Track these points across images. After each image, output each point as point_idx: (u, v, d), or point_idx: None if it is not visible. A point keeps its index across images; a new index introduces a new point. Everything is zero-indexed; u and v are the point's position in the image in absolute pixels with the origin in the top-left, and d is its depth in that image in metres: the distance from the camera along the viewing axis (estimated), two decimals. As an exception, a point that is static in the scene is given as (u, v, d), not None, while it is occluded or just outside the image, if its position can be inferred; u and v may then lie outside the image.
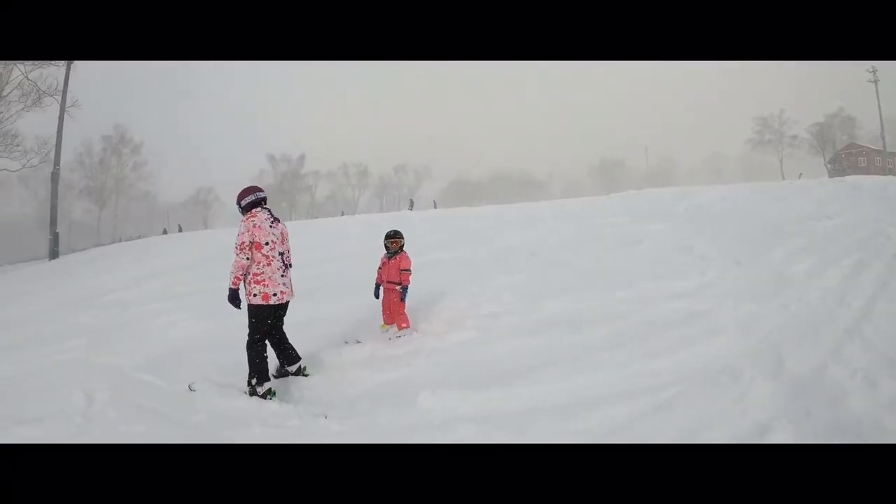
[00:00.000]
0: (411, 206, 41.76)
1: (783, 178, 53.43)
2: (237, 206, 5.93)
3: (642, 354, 5.46)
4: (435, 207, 35.84)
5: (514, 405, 4.71)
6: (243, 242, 5.61)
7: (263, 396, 5.54)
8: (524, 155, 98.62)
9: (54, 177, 28.22)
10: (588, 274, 9.19)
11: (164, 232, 38.38)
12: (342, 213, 48.78)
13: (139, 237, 38.77)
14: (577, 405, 4.54)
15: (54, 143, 27.92)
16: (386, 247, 7.26)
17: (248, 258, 5.63)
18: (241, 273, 5.64)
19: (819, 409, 3.95)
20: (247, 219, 5.73)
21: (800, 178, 34.17)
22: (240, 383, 5.78)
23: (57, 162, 28.00)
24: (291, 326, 6.19)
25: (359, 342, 6.96)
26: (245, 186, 6.12)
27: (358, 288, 8.92)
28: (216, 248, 18.11)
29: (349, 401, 5.37)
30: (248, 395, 5.58)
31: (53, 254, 26.82)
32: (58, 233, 27.62)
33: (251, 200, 5.88)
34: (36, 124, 28.07)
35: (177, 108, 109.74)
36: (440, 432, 4.30)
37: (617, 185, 69.00)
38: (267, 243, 5.70)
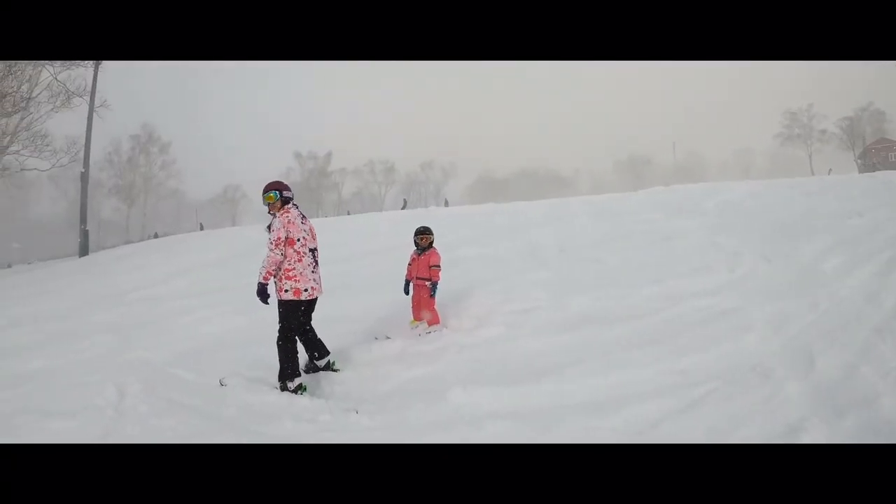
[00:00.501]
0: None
1: (812, 174, 52.52)
2: (272, 194, 5.89)
3: (672, 352, 5.46)
4: (446, 205, 35.83)
5: (544, 402, 4.73)
6: (279, 238, 5.64)
7: (294, 392, 5.59)
8: (550, 151, 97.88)
9: (84, 176, 28.57)
10: (617, 270, 9.17)
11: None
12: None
13: (165, 234, 39.11)
14: (605, 403, 4.56)
15: (83, 143, 28.33)
16: (415, 243, 7.32)
17: (282, 254, 5.66)
18: (273, 269, 5.68)
19: (850, 410, 3.91)
20: (282, 214, 5.76)
21: (829, 173, 33.61)
22: (270, 378, 5.85)
23: (86, 161, 28.34)
24: (321, 322, 6.26)
25: (388, 338, 7.00)
26: (273, 180, 6.11)
27: (386, 284, 8.98)
28: (243, 245, 18.25)
29: (379, 396, 5.43)
30: (279, 391, 5.62)
31: (83, 251, 27.21)
32: (87, 230, 28.00)
33: (290, 196, 5.93)
34: (65, 124, 28.46)
35: (204, 107, 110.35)
36: (470, 428, 4.34)
37: (643, 181, 68.30)
38: (299, 239, 5.75)
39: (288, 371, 5.67)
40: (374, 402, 5.26)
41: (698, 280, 7.95)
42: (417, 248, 7.30)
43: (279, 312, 5.76)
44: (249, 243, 18.00)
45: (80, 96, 27.49)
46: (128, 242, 37.09)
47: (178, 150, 66.35)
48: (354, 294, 9.38)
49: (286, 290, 5.69)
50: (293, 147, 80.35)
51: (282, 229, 5.66)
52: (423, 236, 7.28)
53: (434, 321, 7.09)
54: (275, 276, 5.75)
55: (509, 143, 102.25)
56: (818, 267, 7.88)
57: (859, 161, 61.93)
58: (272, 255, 5.64)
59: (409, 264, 7.33)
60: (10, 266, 29.24)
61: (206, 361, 6.57)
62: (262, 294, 5.72)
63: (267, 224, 5.91)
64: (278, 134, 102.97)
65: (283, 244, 5.65)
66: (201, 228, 37.63)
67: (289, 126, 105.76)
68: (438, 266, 7.13)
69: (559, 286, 8.39)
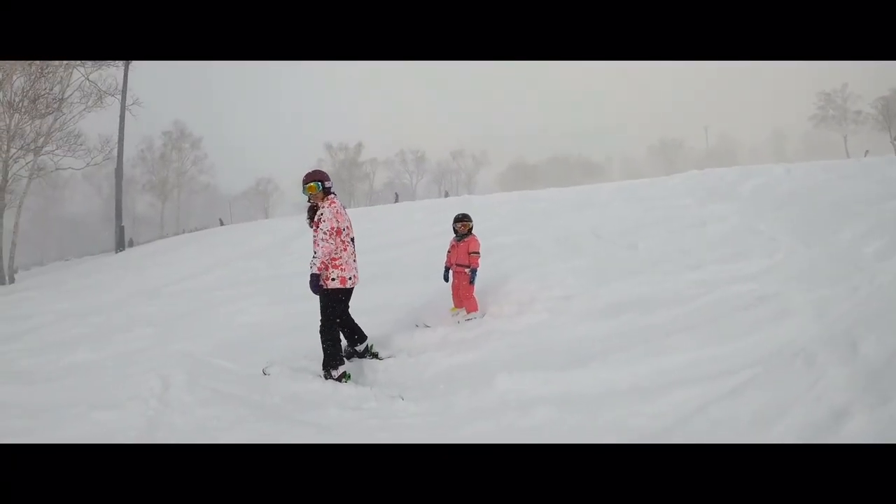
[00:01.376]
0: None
1: (848, 156, 51.34)
2: (314, 185, 5.90)
3: (713, 338, 5.42)
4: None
5: (589, 388, 4.76)
6: (332, 228, 5.73)
7: (339, 379, 5.70)
8: (581, 138, 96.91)
9: (118, 173, 29.21)
10: (653, 256, 9.15)
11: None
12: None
13: (195, 229, 39.70)
14: (650, 389, 4.56)
15: (116, 141, 28.83)
16: (455, 230, 7.38)
17: (333, 244, 5.72)
18: (327, 259, 5.72)
19: (895, 396, 3.84)
20: (330, 205, 5.82)
21: (866, 155, 32.86)
22: (312, 367, 5.96)
23: (120, 159, 28.95)
24: (362, 311, 6.40)
25: (427, 326, 7.08)
26: (314, 170, 6.15)
27: (423, 273, 9.10)
28: (273, 237, 18.54)
29: (424, 383, 5.53)
30: (323, 379, 5.73)
31: (119, 246, 27.81)
32: (123, 226, 28.62)
33: (330, 186, 5.98)
34: (98, 123, 28.87)
35: (234, 101, 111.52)
36: (517, 414, 4.39)
37: (675, 165, 67.45)
38: (344, 229, 5.85)
39: (333, 359, 5.76)
40: (418, 389, 5.37)
41: (736, 265, 7.89)
42: (456, 235, 7.35)
43: (323, 301, 5.82)
44: (279, 235, 18.28)
45: (112, 95, 27.94)
46: (162, 237, 37.85)
47: (210, 145, 66.92)
48: (392, 283, 9.59)
49: (333, 279, 5.78)
50: (324, 138, 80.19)
51: (332, 219, 5.74)
52: (462, 223, 7.33)
53: (473, 308, 7.16)
54: None
55: (541, 131, 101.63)
56: (858, 251, 7.73)
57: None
58: (326, 245, 5.68)
59: (449, 251, 7.40)
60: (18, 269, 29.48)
61: (247, 351, 6.77)
62: (317, 284, 5.74)
63: (308, 215, 6.00)
64: (309, 126, 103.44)
65: (335, 234, 5.73)
66: (221, 224, 38.16)
67: (319, 117, 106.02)
68: (478, 253, 7.19)
69: (596, 273, 8.43)
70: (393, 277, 10.00)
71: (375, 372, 6.02)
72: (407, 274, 10.26)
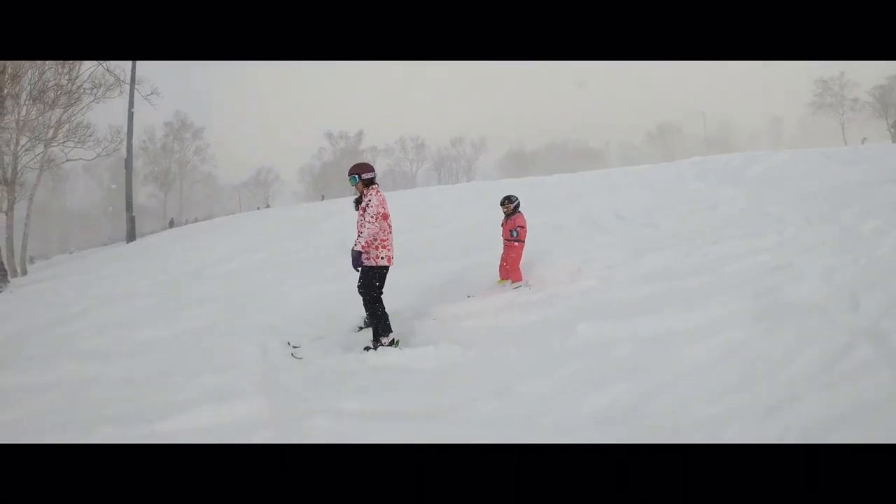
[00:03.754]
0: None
1: (845, 143, 51.89)
2: (351, 178, 6.46)
3: (742, 297, 6.36)
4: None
5: (654, 332, 5.69)
6: (379, 212, 6.25)
7: (390, 345, 6.21)
8: (578, 123, 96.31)
9: (128, 164, 28.97)
10: (674, 235, 10.17)
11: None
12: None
13: (195, 220, 39.89)
14: (702, 332, 5.53)
15: (126, 132, 28.68)
16: (504, 210, 8.35)
17: (379, 226, 6.26)
18: (372, 239, 6.22)
19: (891, 335, 4.75)
20: (377, 193, 6.38)
21: (863, 142, 33.65)
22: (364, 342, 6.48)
23: (129, 149, 28.56)
24: (414, 285, 7.30)
25: (470, 296, 7.90)
26: (359, 162, 6.81)
27: (456, 251, 10.02)
28: (288, 225, 19.16)
29: (513, 335, 6.22)
30: (374, 349, 6.16)
31: (131, 237, 27.87)
32: (134, 216, 28.63)
33: (373, 176, 6.53)
34: (105, 114, 28.59)
35: (235, 90, 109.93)
36: (603, 352, 5.33)
37: (674, 151, 67.48)
38: (389, 215, 6.48)
39: (383, 328, 6.30)
40: (510, 341, 6.02)
41: (751, 241, 8.92)
42: (505, 215, 8.31)
43: (371, 278, 6.31)
44: (292, 223, 18.89)
45: (126, 83, 27.52)
46: (165, 228, 37.99)
47: (210, 134, 66.27)
48: (438, 259, 10.52)
49: (381, 258, 6.29)
50: (325, 127, 79.75)
51: (380, 206, 6.28)
52: (505, 205, 8.27)
53: (518, 279, 8.14)
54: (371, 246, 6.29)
55: (538, 117, 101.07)
56: (857, 229, 8.73)
57: (893, 130, 60.69)
58: (373, 226, 6.18)
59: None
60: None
61: (322, 323, 7.29)
62: (358, 260, 6.23)
63: (355, 199, 6.56)
64: (310, 114, 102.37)
65: (381, 218, 6.28)
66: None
67: (320, 106, 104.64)
68: (523, 227, 8.19)
69: (628, 248, 9.38)
70: (421, 256, 10.81)
71: (458, 331, 6.59)
72: (445, 252, 11.13)
